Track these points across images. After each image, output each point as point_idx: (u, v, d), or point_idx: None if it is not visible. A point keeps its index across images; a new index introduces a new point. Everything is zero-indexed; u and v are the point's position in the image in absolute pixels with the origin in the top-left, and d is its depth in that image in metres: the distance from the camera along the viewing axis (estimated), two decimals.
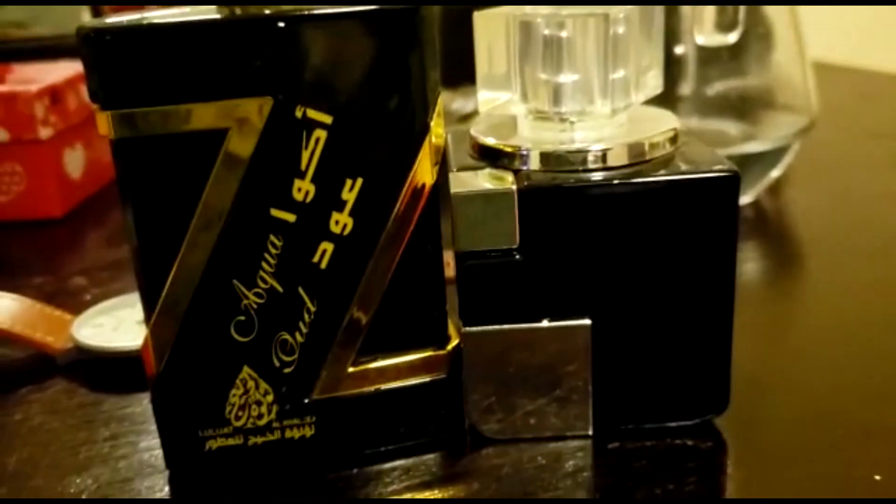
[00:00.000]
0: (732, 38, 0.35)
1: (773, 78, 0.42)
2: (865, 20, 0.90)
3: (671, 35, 0.40)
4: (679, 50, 0.40)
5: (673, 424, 0.24)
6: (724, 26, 0.34)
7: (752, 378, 0.26)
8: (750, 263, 0.35)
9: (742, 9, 0.34)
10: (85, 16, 0.63)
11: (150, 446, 0.25)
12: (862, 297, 0.31)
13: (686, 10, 0.38)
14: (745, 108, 0.41)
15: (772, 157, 0.40)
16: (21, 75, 0.48)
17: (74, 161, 0.48)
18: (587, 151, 0.23)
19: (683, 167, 0.23)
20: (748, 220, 0.40)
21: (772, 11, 0.40)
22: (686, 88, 0.41)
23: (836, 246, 0.36)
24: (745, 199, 0.41)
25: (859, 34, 0.82)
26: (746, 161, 0.39)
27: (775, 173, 0.41)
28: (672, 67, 0.40)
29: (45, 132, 0.45)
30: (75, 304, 0.34)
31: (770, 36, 0.40)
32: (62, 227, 0.46)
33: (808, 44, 0.42)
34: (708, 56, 0.40)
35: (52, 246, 0.43)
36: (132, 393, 0.28)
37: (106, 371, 0.29)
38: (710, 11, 0.34)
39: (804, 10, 0.42)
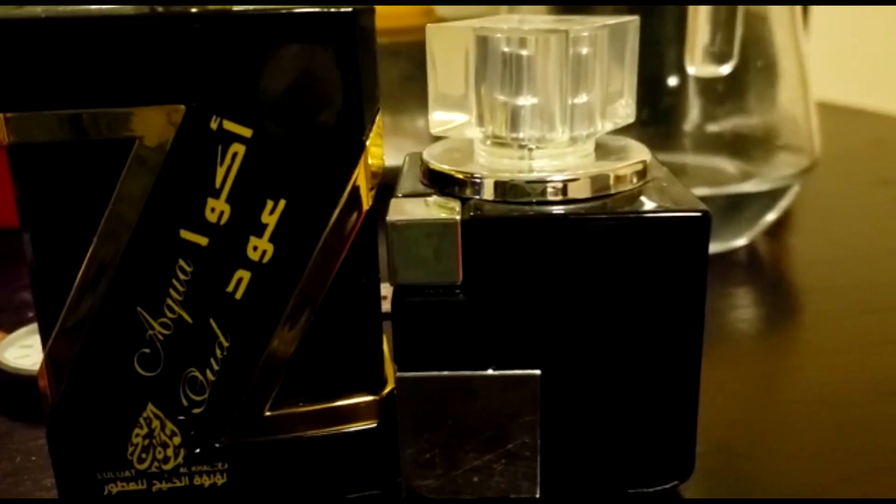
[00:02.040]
0: (726, 69, 0.32)
1: (774, 115, 0.39)
2: (877, 61, 0.87)
3: (668, 67, 0.37)
4: (674, 82, 0.38)
5: (631, 490, 0.21)
6: (717, 57, 0.32)
7: (725, 443, 0.23)
8: (737, 311, 0.33)
9: (736, 39, 0.32)
10: None
11: (52, 485, 0.22)
12: (856, 359, 0.29)
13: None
14: (743, 145, 0.39)
15: (770, 198, 0.37)
16: None
17: None
18: (546, 182, 0.20)
19: (650, 204, 0.20)
20: (741, 263, 0.37)
21: (776, 44, 0.38)
22: (681, 122, 0.39)
23: (834, 300, 0.34)
24: (739, 241, 0.39)
25: (870, 75, 0.80)
26: (742, 201, 0.37)
27: (772, 216, 0.38)
28: (666, 100, 0.38)
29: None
30: (15, 321, 0.31)
31: (772, 70, 0.38)
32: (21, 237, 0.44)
33: (815, 83, 0.40)
34: (705, 89, 0.38)
35: (6, 257, 0.41)
36: None
37: (26, 396, 0.27)
38: (701, 40, 0.31)
39: (813, 48, 0.40)
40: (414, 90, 0.50)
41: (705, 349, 0.20)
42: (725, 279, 0.35)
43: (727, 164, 0.39)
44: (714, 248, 0.38)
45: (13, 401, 0.27)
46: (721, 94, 0.38)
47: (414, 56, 0.51)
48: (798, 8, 0.39)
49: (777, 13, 0.38)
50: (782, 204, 0.38)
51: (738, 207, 0.37)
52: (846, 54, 0.75)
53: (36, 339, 0.29)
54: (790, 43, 0.38)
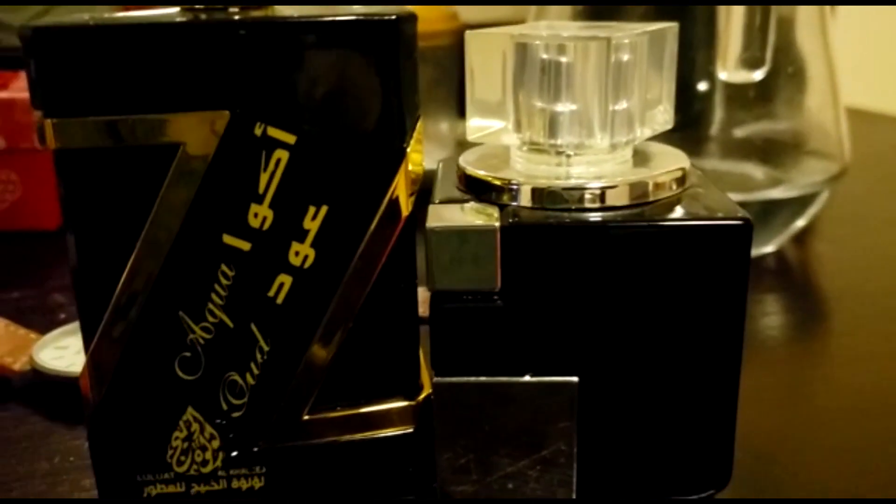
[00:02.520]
0: (758, 75, 0.32)
1: (803, 121, 0.39)
2: None
3: (697, 72, 0.37)
4: (704, 87, 0.38)
5: (667, 498, 0.21)
6: (750, 63, 0.32)
7: (761, 451, 0.23)
8: (767, 318, 0.33)
9: (769, 46, 0.32)
10: None
11: (91, 485, 0.22)
12: (890, 365, 0.28)
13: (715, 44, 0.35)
14: (772, 151, 0.39)
15: (799, 204, 0.37)
16: (26, 83, 0.47)
17: None
18: (584, 189, 0.20)
19: (690, 212, 0.20)
20: (769, 270, 0.37)
21: (805, 50, 0.38)
22: (710, 128, 0.38)
23: (865, 306, 0.33)
24: (767, 248, 0.38)
25: None
26: (771, 207, 0.37)
27: (801, 222, 0.38)
28: (696, 105, 0.38)
29: None
30: (48, 323, 0.32)
31: (802, 76, 0.38)
32: (54, 239, 0.44)
33: (845, 89, 0.40)
34: (735, 95, 0.38)
35: (39, 259, 0.42)
36: (84, 424, 0.25)
37: (63, 397, 0.27)
38: (734, 46, 0.31)
39: (843, 54, 0.40)
40: (438, 95, 0.50)
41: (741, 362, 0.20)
42: (755, 286, 0.35)
43: (756, 170, 0.38)
44: None
45: (49, 401, 0.27)
46: (750, 100, 0.38)
47: (438, 61, 0.51)
48: (827, 12, 0.39)
49: (806, 18, 0.38)
50: (811, 210, 0.38)
51: (767, 214, 0.37)
52: (876, 60, 0.75)
53: (70, 341, 0.29)
54: (819, 48, 0.38)
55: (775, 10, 0.32)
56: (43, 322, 0.32)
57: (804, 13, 0.37)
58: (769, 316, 0.33)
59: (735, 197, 0.35)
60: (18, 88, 0.45)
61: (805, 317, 0.34)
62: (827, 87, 0.38)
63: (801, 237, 0.40)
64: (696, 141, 0.38)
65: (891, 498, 0.22)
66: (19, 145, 0.43)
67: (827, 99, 0.38)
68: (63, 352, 0.29)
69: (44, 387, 0.27)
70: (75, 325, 0.30)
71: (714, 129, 0.38)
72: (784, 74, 0.37)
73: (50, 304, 0.35)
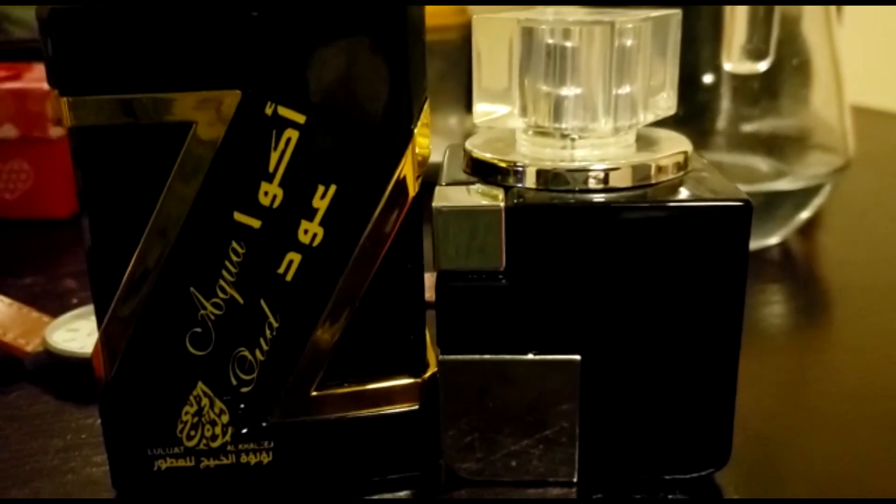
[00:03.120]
0: (762, 66, 0.33)
1: (808, 114, 0.39)
2: None
3: (703, 64, 0.38)
4: (710, 80, 0.38)
5: (667, 477, 0.22)
6: (754, 54, 0.32)
7: (760, 433, 0.24)
8: (771, 307, 0.33)
9: (773, 37, 0.32)
10: None
11: (103, 461, 0.23)
12: (890, 354, 0.29)
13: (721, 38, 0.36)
14: (777, 144, 0.39)
15: (803, 196, 0.38)
16: (39, 74, 0.48)
17: None
18: (588, 171, 0.21)
19: (691, 194, 0.20)
20: (774, 261, 0.38)
21: (810, 44, 0.38)
22: (716, 120, 0.39)
23: (866, 297, 0.34)
24: (772, 239, 0.39)
25: None
26: (776, 199, 0.37)
27: (805, 214, 0.38)
28: (701, 97, 0.38)
29: (54, 131, 0.44)
30: (59, 307, 0.32)
31: (807, 69, 0.38)
32: (66, 227, 0.45)
33: (853, 88, 0.40)
34: (740, 88, 0.38)
35: (51, 246, 0.42)
36: (96, 403, 0.26)
37: (74, 378, 0.27)
38: (738, 37, 0.32)
39: (850, 53, 0.40)
40: (447, 88, 0.51)
41: (741, 343, 0.21)
42: (759, 276, 0.35)
43: (761, 163, 0.39)
44: None
45: (61, 382, 0.27)
46: (756, 93, 0.38)
47: (447, 54, 0.51)
48: (833, 9, 0.39)
49: (811, 12, 0.38)
50: (815, 203, 0.38)
51: (771, 205, 0.37)
52: (882, 58, 0.75)
53: (82, 324, 0.30)
54: (824, 43, 0.38)
55: (780, 5, 0.33)
56: (55, 306, 0.32)
57: (809, 9, 0.38)
58: (772, 305, 0.33)
59: (741, 189, 0.36)
60: (31, 79, 0.46)
61: (808, 307, 0.34)
62: (831, 80, 0.39)
63: (806, 230, 0.40)
64: (702, 133, 0.39)
65: (888, 479, 0.22)
66: (32, 134, 0.44)
67: (831, 93, 0.39)
68: (75, 334, 0.29)
69: (56, 368, 0.28)
70: (86, 308, 0.31)
71: (720, 121, 0.39)
72: (789, 68, 0.37)
73: (61, 289, 0.36)
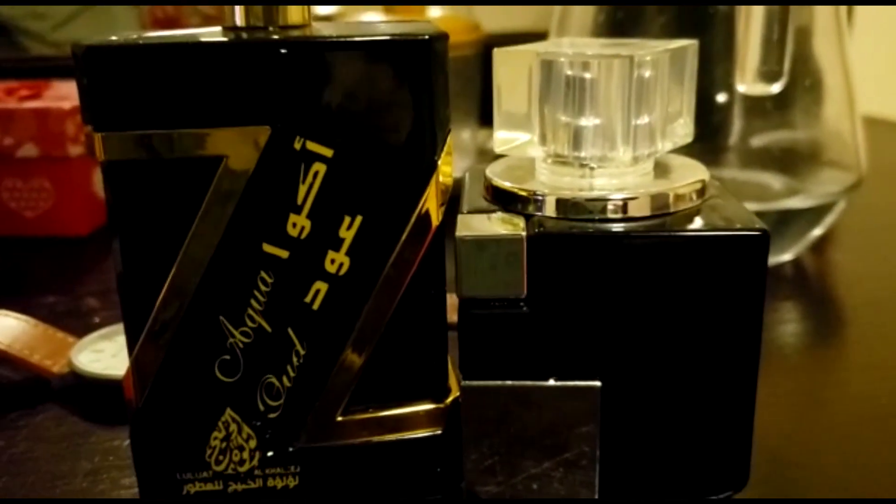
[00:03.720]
0: (776, 88, 0.33)
1: (820, 131, 0.40)
2: None
3: (716, 84, 0.38)
4: (722, 99, 0.38)
5: (686, 500, 0.22)
6: (768, 76, 0.32)
7: (777, 454, 0.24)
8: (785, 326, 0.33)
9: (787, 58, 0.32)
10: None
11: (131, 483, 0.23)
12: None
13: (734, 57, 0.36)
14: (789, 161, 0.39)
15: (816, 214, 0.38)
16: (58, 92, 0.49)
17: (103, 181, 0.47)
18: (607, 200, 0.21)
19: (710, 222, 0.21)
20: (787, 279, 0.38)
21: (821, 61, 0.38)
22: (729, 139, 0.39)
23: (881, 315, 0.34)
24: (785, 256, 0.39)
25: None
26: (789, 217, 0.37)
27: (818, 231, 0.39)
28: (715, 116, 0.39)
29: (75, 150, 0.45)
30: (83, 327, 0.33)
31: (819, 87, 0.39)
32: (86, 246, 0.45)
33: (862, 98, 0.40)
34: (753, 106, 0.38)
35: (72, 265, 0.43)
36: (122, 425, 0.26)
37: (100, 399, 0.28)
38: (752, 59, 0.32)
39: (860, 64, 0.40)
40: (460, 104, 0.51)
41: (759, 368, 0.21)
42: (773, 294, 0.36)
43: (774, 180, 0.39)
44: None
45: (87, 403, 0.28)
46: (768, 111, 0.38)
47: (460, 71, 0.52)
48: (844, 22, 0.39)
49: (823, 29, 0.38)
50: (828, 220, 0.39)
51: (784, 223, 0.37)
52: (890, 68, 0.75)
53: (105, 345, 0.30)
54: (836, 59, 0.39)
55: (793, 23, 0.33)
56: (78, 326, 0.33)
57: (821, 23, 0.38)
58: (787, 324, 0.34)
59: (753, 206, 0.36)
60: (52, 98, 0.47)
61: (822, 325, 0.34)
62: (844, 98, 0.39)
63: (819, 246, 0.41)
64: (715, 151, 0.39)
65: None
66: (52, 153, 0.44)
67: (844, 110, 0.39)
68: (99, 355, 0.30)
69: (82, 389, 0.28)
70: (110, 329, 0.31)
71: (733, 139, 0.39)
72: (801, 86, 0.38)
73: (84, 308, 0.37)
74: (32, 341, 0.30)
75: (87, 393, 0.28)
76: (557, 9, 0.42)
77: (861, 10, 0.75)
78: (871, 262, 0.40)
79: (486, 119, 0.50)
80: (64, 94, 0.47)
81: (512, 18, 0.63)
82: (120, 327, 0.31)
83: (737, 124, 0.39)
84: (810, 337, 0.33)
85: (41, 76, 0.52)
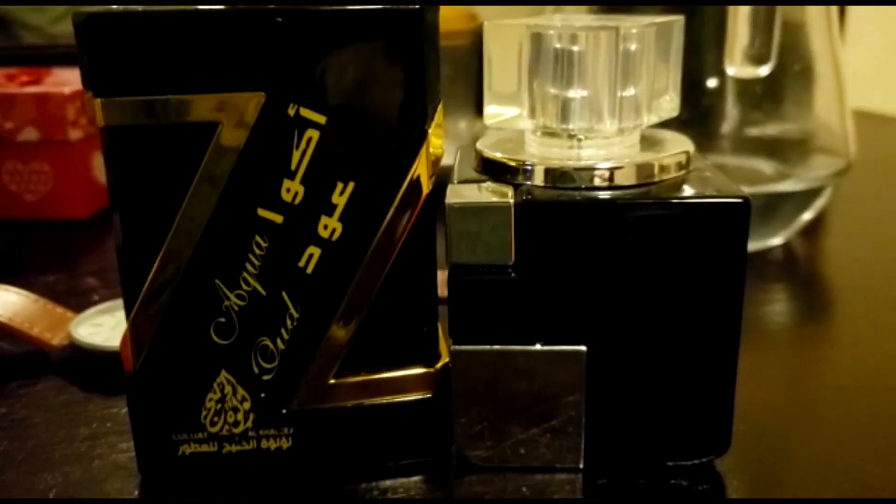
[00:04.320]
0: (764, 70, 0.34)
1: (810, 117, 0.40)
2: None
3: (708, 69, 0.39)
4: (715, 84, 0.39)
5: (670, 463, 0.23)
6: (756, 58, 0.33)
7: (761, 423, 0.25)
8: (774, 305, 0.34)
9: (775, 41, 0.33)
10: None
11: (128, 448, 0.24)
12: (887, 350, 0.29)
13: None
14: (779, 147, 0.40)
15: (805, 198, 0.38)
16: (58, 78, 0.49)
17: (102, 164, 0.48)
18: (594, 169, 0.22)
19: (693, 191, 0.21)
20: (777, 261, 0.38)
21: (812, 49, 0.39)
22: (720, 124, 0.40)
23: (866, 296, 0.34)
24: (775, 240, 0.40)
25: None
26: (779, 201, 0.38)
27: (808, 216, 0.39)
28: (705, 101, 0.39)
29: (74, 134, 0.45)
30: (82, 304, 0.33)
31: (809, 74, 0.39)
32: (85, 228, 0.46)
33: (858, 92, 0.41)
34: (744, 92, 0.39)
35: (71, 246, 0.43)
36: (120, 394, 0.27)
37: (98, 370, 0.28)
38: (741, 42, 0.33)
39: (855, 56, 0.41)
40: (457, 93, 0.52)
41: (742, 338, 0.22)
42: (762, 276, 0.36)
43: (764, 165, 0.40)
44: (751, 246, 0.38)
45: (86, 374, 0.28)
46: (759, 97, 0.39)
47: (457, 60, 0.52)
48: (835, 15, 0.40)
49: (814, 20, 0.39)
50: (817, 204, 0.39)
51: (774, 207, 0.38)
52: (883, 63, 0.76)
53: (105, 319, 0.31)
54: (826, 48, 0.39)
55: (781, 8, 0.34)
56: (77, 304, 0.33)
57: (812, 13, 0.39)
58: (775, 304, 0.34)
59: (744, 190, 0.37)
60: (52, 83, 0.47)
61: (809, 305, 0.35)
62: (833, 85, 0.40)
63: (809, 231, 0.41)
64: (707, 136, 0.40)
65: (880, 467, 0.23)
66: (52, 137, 0.45)
67: (833, 97, 0.40)
68: (99, 328, 0.30)
69: (80, 360, 0.29)
70: (109, 304, 0.32)
71: (725, 124, 0.40)
72: (791, 72, 0.38)
73: (83, 287, 0.37)
74: (32, 315, 0.30)
75: (86, 365, 0.29)
76: (549, 7, 0.42)
77: (854, 9, 0.76)
78: (859, 246, 0.41)
79: (482, 109, 0.50)
80: (64, 80, 0.48)
81: (508, 10, 0.63)
82: (119, 303, 0.32)
83: (729, 110, 0.40)
84: (797, 317, 0.34)
85: (36, 64, 0.53)
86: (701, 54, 0.38)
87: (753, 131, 0.40)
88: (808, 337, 0.32)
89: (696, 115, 0.39)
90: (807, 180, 0.38)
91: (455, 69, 0.52)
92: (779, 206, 0.38)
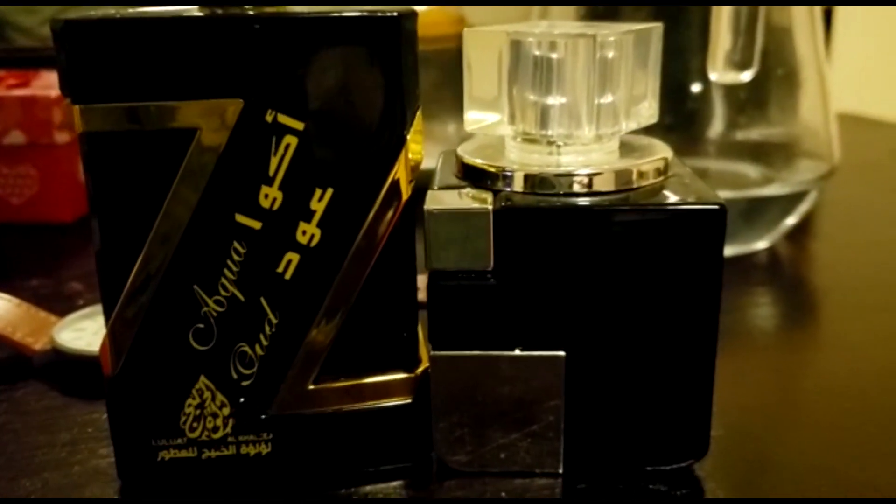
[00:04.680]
0: (747, 76, 0.34)
1: (794, 122, 0.40)
2: None
3: (692, 74, 0.39)
4: (697, 89, 0.39)
5: (648, 468, 0.23)
6: (738, 64, 0.33)
7: (740, 427, 0.25)
8: (756, 309, 0.34)
9: (758, 46, 0.33)
10: None
11: (108, 454, 0.24)
12: (869, 352, 0.30)
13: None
14: (764, 151, 0.40)
15: (789, 201, 0.39)
16: (46, 81, 0.49)
17: None
18: (573, 175, 0.22)
19: (670, 198, 0.22)
20: (761, 265, 0.39)
21: (797, 54, 0.39)
22: (704, 128, 0.40)
23: (849, 299, 0.35)
24: (760, 244, 0.40)
25: (892, 87, 0.80)
26: (763, 204, 0.38)
27: (792, 220, 0.39)
28: (690, 106, 0.39)
29: (61, 137, 0.45)
30: (66, 308, 0.33)
31: (793, 79, 0.39)
32: (70, 232, 0.46)
33: (838, 95, 0.41)
34: (728, 96, 0.39)
35: (56, 250, 0.43)
36: (101, 399, 0.27)
37: (80, 375, 0.28)
38: (722, 47, 0.33)
39: (836, 61, 0.41)
40: (444, 97, 0.52)
41: (725, 342, 0.22)
42: (747, 280, 0.36)
43: (749, 169, 0.40)
44: (735, 250, 0.39)
45: (68, 379, 0.28)
46: (743, 102, 0.39)
47: (444, 64, 0.52)
48: (819, 20, 0.40)
49: (798, 24, 0.39)
50: (802, 208, 0.39)
51: (758, 210, 0.38)
52: (868, 67, 0.76)
53: (87, 323, 0.31)
54: (811, 52, 0.40)
55: (763, 13, 0.34)
56: (61, 308, 0.33)
57: (796, 17, 0.39)
58: (759, 307, 0.34)
59: (728, 194, 0.37)
60: (38, 86, 0.47)
61: (793, 309, 0.35)
62: (817, 89, 0.40)
63: (794, 235, 0.41)
64: (692, 140, 0.40)
65: (860, 471, 0.23)
66: (39, 141, 0.45)
67: (817, 101, 0.40)
68: (81, 333, 0.30)
69: (63, 365, 0.29)
70: (92, 309, 0.32)
71: (710, 129, 0.40)
72: (775, 77, 0.39)
73: (68, 291, 0.37)
74: (15, 319, 0.30)
75: (68, 369, 0.29)
76: (536, 8, 0.42)
77: (840, 12, 0.76)
78: (843, 250, 0.41)
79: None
80: (51, 83, 0.48)
81: (496, 14, 0.63)
82: (101, 308, 0.32)
83: (713, 114, 0.40)
84: (781, 320, 0.34)
85: (26, 66, 0.52)
86: (686, 59, 0.38)
87: (738, 135, 0.40)
88: (790, 340, 0.32)
89: (681, 119, 0.39)
90: (791, 184, 0.38)
91: (442, 73, 0.52)
92: (763, 210, 0.38)
